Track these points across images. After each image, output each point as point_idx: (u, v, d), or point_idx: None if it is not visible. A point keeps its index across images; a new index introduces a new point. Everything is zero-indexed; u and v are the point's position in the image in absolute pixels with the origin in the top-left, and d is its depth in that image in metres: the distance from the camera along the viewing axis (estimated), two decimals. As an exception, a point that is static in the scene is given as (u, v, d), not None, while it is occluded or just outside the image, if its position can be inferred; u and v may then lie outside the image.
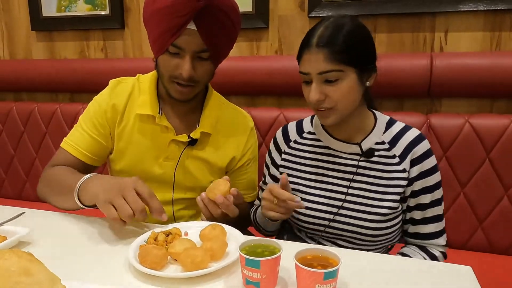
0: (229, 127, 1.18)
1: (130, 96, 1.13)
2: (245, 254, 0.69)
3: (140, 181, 0.88)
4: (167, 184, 1.14)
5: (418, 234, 1.02)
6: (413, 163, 0.99)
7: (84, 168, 1.11)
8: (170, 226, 0.92)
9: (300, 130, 1.12)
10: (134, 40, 2.01)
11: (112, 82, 1.16)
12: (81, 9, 2.04)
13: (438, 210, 1.02)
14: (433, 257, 1.00)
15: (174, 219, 1.16)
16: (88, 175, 0.97)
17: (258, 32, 1.83)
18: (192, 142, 1.12)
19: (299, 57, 0.96)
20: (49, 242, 0.89)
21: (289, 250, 0.71)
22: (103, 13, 2.00)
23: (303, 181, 1.06)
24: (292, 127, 1.13)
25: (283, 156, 1.12)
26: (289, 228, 1.13)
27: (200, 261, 0.73)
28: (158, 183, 1.13)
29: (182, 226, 0.92)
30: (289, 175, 1.08)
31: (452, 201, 1.56)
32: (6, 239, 0.84)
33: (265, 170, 1.17)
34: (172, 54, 1.01)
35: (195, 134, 1.11)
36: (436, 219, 1.01)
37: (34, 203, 1.96)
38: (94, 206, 0.91)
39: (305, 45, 0.94)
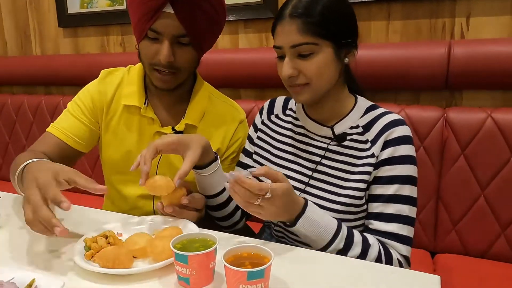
0: (217, 119, 1.14)
1: (118, 87, 1.13)
2: (178, 248, 0.65)
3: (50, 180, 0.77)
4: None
5: (377, 231, 0.89)
6: (385, 145, 0.89)
7: (69, 152, 1.10)
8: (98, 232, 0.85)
9: (285, 106, 1.08)
10: (149, 34, 2.04)
11: (103, 72, 1.17)
12: (102, 4, 2.11)
13: (404, 210, 0.88)
14: (389, 257, 0.86)
15: (154, 213, 1.15)
16: (32, 160, 0.89)
17: (267, 23, 1.78)
18: None
19: (273, 30, 0.91)
20: (18, 228, 0.91)
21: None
22: (121, 8, 2.05)
23: (273, 158, 1.03)
24: (279, 101, 1.10)
25: (260, 126, 1.09)
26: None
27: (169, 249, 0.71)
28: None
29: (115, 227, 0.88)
30: (261, 148, 1.06)
31: (470, 204, 1.41)
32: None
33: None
34: (151, 40, 0.99)
35: (179, 126, 1.09)
36: (399, 219, 0.88)
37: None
38: None
39: (278, 17, 0.88)
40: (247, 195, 0.75)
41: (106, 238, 0.77)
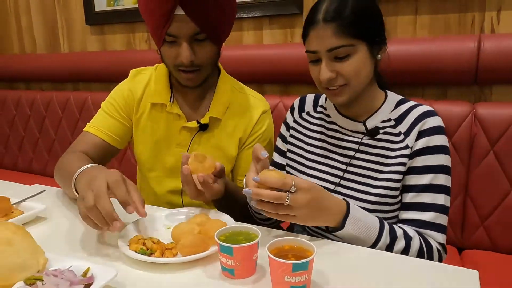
0: (240, 110, 1.16)
1: (147, 86, 1.17)
2: (222, 241, 0.68)
3: (118, 176, 0.79)
4: (178, 173, 1.16)
5: (413, 221, 0.90)
6: (419, 136, 0.91)
7: (107, 150, 1.14)
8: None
9: (315, 103, 1.10)
10: (175, 31, 2.07)
11: (132, 71, 1.20)
12: (128, 2, 2.15)
13: (439, 199, 0.89)
14: (429, 248, 0.87)
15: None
16: (88, 165, 0.92)
17: (292, 19, 1.79)
18: (203, 128, 1.12)
19: (305, 35, 0.92)
20: (63, 219, 0.96)
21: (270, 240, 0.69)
22: (147, 5, 2.09)
23: (307, 154, 1.04)
24: (309, 99, 1.11)
25: (293, 125, 1.10)
26: None
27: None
28: (170, 171, 1.16)
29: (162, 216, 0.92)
30: (294, 145, 1.08)
31: (499, 200, 1.41)
32: (23, 213, 0.92)
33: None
34: (170, 44, 1.02)
35: (204, 119, 1.12)
36: (434, 208, 0.89)
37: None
38: None
39: (310, 22, 0.89)
40: (273, 195, 0.74)
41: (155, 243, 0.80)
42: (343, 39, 0.85)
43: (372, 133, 0.96)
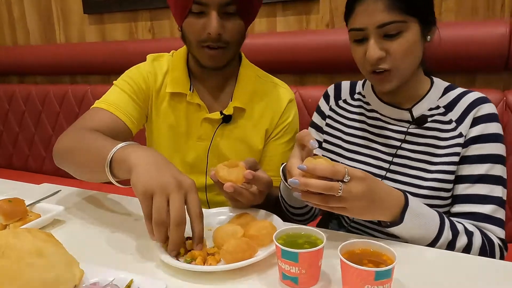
0: (265, 99, 1.08)
1: (166, 74, 1.06)
2: (281, 244, 0.60)
3: (195, 189, 0.70)
4: (200, 168, 1.07)
5: (469, 214, 0.83)
6: (474, 123, 0.85)
7: (121, 131, 0.98)
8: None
9: (352, 90, 1.03)
10: (180, 19, 1.96)
11: (150, 56, 1.10)
12: (129, -11, 2.03)
13: (497, 191, 0.82)
14: (491, 244, 0.80)
15: (208, 205, 1.09)
16: (124, 143, 0.77)
17: (308, 4, 1.69)
18: (226, 120, 1.03)
19: (349, 11, 0.85)
20: (83, 222, 0.87)
21: (333, 242, 0.61)
22: (150, -8, 1.97)
23: (346, 145, 0.98)
24: (345, 86, 1.04)
25: (329, 113, 1.03)
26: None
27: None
28: (191, 167, 1.06)
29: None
30: (331, 135, 1.01)
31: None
32: (40, 216, 0.82)
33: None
34: (197, 15, 0.92)
35: (227, 110, 1.03)
36: (492, 200, 0.82)
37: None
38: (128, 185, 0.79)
39: None
40: (324, 186, 0.65)
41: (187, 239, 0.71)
42: (395, 15, 0.79)
43: (420, 121, 0.89)
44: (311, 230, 0.65)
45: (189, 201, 0.68)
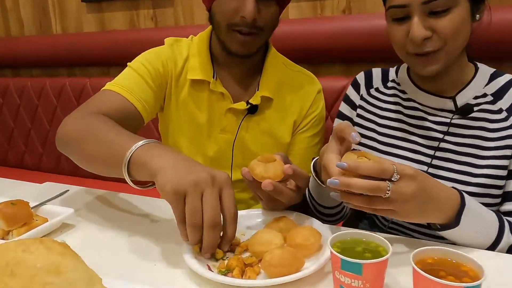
0: (294, 90, 1.01)
1: (187, 60, 0.97)
2: (339, 253, 0.51)
3: (230, 183, 0.63)
4: (223, 163, 0.99)
5: None
6: None
7: (132, 118, 0.89)
8: None
9: (385, 78, 0.95)
10: (185, 5, 1.86)
11: (168, 40, 1.01)
12: (130, -25, 1.92)
13: None
14: None
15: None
16: (143, 141, 0.68)
17: (322, -11, 1.60)
18: (252, 110, 0.95)
19: None
20: (96, 226, 0.77)
21: (394, 248, 0.53)
22: (152, -22, 1.87)
23: (381, 137, 0.90)
24: (377, 73, 0.96)
25: (360, 103, 0.95)
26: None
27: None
28: (212, 161, 0.98)
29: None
30: (363, 127, 0.93)
31: None
32: (48, 220, 0.73)
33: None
34: None
35: (254, 100, 0.95)
36: None
37: (88, 180, 1.92)
38: (148, 185, 0.71)
39: None
40: (370, 186, 0.57)
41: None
42: None
43: (465, 111, 0.82)
44: (370, 235, 0.56)
45: (224, 198, 0.61)
